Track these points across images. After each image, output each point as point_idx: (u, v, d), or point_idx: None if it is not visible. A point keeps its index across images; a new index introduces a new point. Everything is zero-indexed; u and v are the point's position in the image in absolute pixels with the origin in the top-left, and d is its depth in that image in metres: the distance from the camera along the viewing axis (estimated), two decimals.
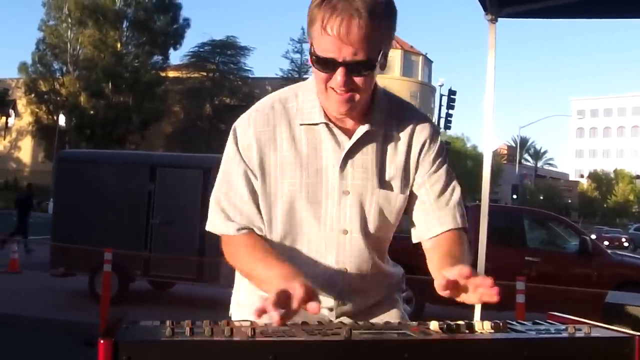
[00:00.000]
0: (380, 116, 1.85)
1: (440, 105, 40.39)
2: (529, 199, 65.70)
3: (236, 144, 1.85)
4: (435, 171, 1.91)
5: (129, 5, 51.96)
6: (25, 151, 60.76)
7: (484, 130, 5.41)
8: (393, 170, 1.87)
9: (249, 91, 53.62)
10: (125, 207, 10.57)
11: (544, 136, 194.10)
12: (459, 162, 58.94)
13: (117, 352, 1.19)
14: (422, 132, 1.90)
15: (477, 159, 50.96)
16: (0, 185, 52.39)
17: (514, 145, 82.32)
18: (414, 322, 1.51)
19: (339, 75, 1.66)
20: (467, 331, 1.41)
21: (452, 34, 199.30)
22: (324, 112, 1.81)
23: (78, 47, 51.12)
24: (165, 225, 10.19)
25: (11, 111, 59.36)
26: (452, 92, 38.65)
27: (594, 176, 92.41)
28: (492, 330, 1.42)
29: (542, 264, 10.10)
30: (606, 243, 36.54)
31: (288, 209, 1.83)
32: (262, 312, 1.42)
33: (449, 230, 1.89)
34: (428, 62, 68.68)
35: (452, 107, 38.88)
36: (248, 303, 1.90)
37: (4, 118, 60.99)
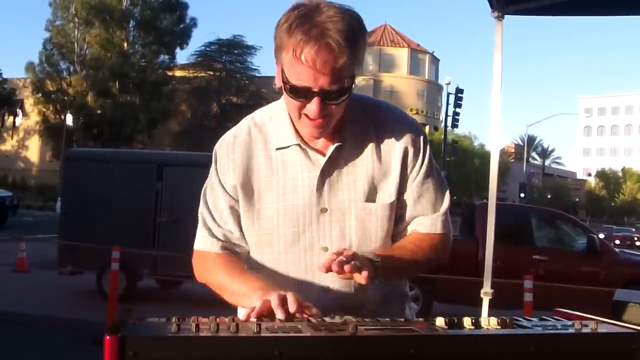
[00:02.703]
0: (354, 127, 1.82)
1: (448, 103, 40.40)
2: (537, 198, 65.63)
3: (216, 169, 1.90)
4: (423, 178, 1.88)
5: (135, 5, 51.98)
6: (33, 150, 60.83)
7: (491, 129, 5.41)
8: (372, 180, 1.83)
9: (255, 90, 53.58)
10: (132, 206, 10.61)
11: (552, 134, 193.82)
12: (466, 161, 58.85)
13: (123, 347, 1.19)
14: (402, 136, 1.85)
15: (485, 157, 50.84)
16: (8, 184, 52.61)
17: (521, 143, 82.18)
18: (420, 319, 1.51)
19: (314, 104, 1.64)
20: (473, 327, 1.40)
21: (459, 32, 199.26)
22: (296, 132, 1.81)
23: (85, 47, 51.16)
24: (173, 224, 10.21)
25: (19, 111, 59.49)
26: (459, 91, 38.64)
27: (602, 174, 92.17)
28: (499, 326, 1.41)
29: (550, 263, 10.07)
30: (617, 242, 36.34)
31: (269, 232, 1.85)
32: (261, 313, 1.51)
33: (427, 232, 1.92)
34: (435, 60, 68.46)
35: (459, 106, 38.90)
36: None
37: (11, 117, 61.14)
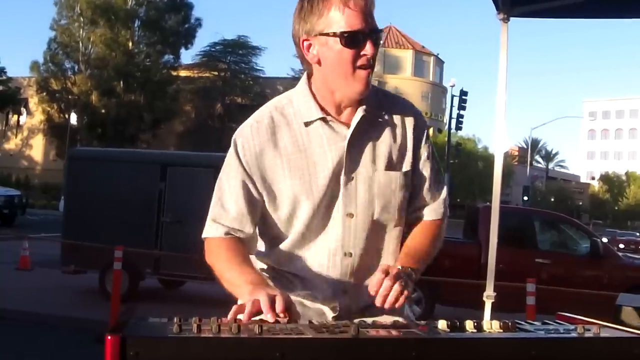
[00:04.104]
0: (372, 102, 1.97)
1: (452, 106, 40.39)
2: (540, 201, 65.44)
3: (237, 152, 1.96)
4: (428, 163, 2.06)
5: (140, 5, 51.97)
6: (37, 149, 60.85)
7: (495, 131, 5.39)
8: (390, 151, 1.98)
9: (260, 91, 53.60)
10: (136, 206, 10.59)
11: (556, 138, 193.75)
12: (470, 163, 58.77)
13: (124, 347, 1.19)
14: (411, 116, 2.04)
15: (488, 160, 50.78)
16: (12, 183, 52.61)
17: (525, 146, 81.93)
18: (422, 321, 1.51)
19: (369, 46, 1.84)
20: (475, 330, 1.40)
21: (464, 34, 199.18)
22: (320, 107, 1.94)
23: (90, 46, 51.08)
24: (176, 224, 10.20)
25: (23, 109, 59.49)
26: (463, 93, 38.59)
27: (606, 178, 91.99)
28: (501, 330, 1.41)
29: (553, 266, 10.05)
30: (621, 246, 36.12)
31: (296, 206, 1.94)
32: (253, 314, 1.55)
33: (432, 219, 2.08)
34: (439, 62, 68.32)
35: (463, 108, 38.85)
36: None
37: (15, 116, 61.18)
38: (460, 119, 39.41)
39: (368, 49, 1.84)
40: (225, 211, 1.95)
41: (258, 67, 55.51)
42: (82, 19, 50.48)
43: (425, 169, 2.05)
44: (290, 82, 47.27)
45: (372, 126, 1.97)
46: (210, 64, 54.55)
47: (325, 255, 1.94)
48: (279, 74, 54.92)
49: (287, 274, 1.98)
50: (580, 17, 5.83)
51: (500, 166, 5.37)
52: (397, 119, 2.02)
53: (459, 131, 44.50)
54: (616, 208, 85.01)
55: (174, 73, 53.01)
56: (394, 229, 2.01)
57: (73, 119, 48.35)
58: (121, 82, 49.02)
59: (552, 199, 72.56)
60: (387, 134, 1.99)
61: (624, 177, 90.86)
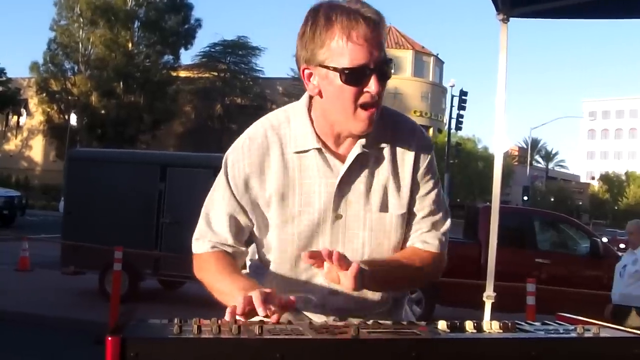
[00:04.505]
0: (374, 135, 1.82)
1: (452, 106, 40.36)
2: (540, 201, 65.38)
3: (226, 173, 1.88)
4: (429, 195, 1.91)
5: (140, 5, 51.95)
6: (37, 150, 60.82)
7: (495, 131, 5.38)
8: (386, 190, 1.85)
9: (260, 91, 53.63)
10: (135, 207, 10.61)
11: (555, 138, 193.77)
12: (469, 164, 58.72)
13: (124, 349, 1.19)
14: (415, 149, 1.88)
15: (488, 160, 50.77)
16: (12, 184, 52.55)
17: (525, 146, 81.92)
18: (422, 322, 1.51)
19: (373, 82, 1.67)
20: (475, 331, 1.40)
21: (464, 34, 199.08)
22: (317, 136, 1.82)
23: (89, 47, 51.03)
24: (175, 225, 10.20)
25: (23, 110, 59.45)
26: (463, 93, 38.58)
27: (605, 178, 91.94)
28: (501, 330, 1.41)
29: (553, 266, 10.06)
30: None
31: (281, 236, 1.85)
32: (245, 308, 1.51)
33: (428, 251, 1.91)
34: (439, 62, 68.21)
35: (463, 108, 38.83)
36: None
37: (15, 117, 61.15)
38: (460, 119, 39.40)
39: (372, 85, 1.67)
40: (210, 229, 1.90)
41: (258, 68, 55.47)
42: (81, 20, 50.45)
43: (424, 197, 1.90)
44: (290, 83, 47.34)
45: (369, 162, 1.84)
46: (210, 65, 54.50)
47: (314, 292, 1.86)
48: (279, 74, 54.78)
49: None
50: (581, 17, 5.82)
51: (500, 166, 5.36)
52: (399, 152, 1.87)
53: (458, 131, 44.49)
54: (616, 208, 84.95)
55: (174, 74, 52.98)
56: None
57: (73, 119, 48.31)
58: (121, 83, 49.00)
59: (552, 199, 72.50)
60: (385, 170, 1.85)
61: (623, 177, 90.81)
